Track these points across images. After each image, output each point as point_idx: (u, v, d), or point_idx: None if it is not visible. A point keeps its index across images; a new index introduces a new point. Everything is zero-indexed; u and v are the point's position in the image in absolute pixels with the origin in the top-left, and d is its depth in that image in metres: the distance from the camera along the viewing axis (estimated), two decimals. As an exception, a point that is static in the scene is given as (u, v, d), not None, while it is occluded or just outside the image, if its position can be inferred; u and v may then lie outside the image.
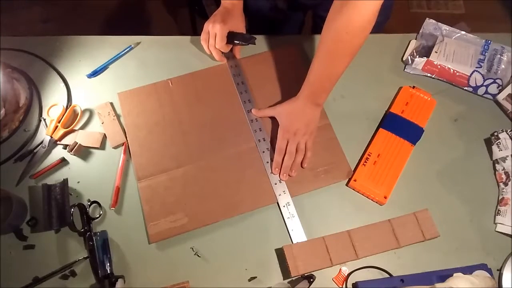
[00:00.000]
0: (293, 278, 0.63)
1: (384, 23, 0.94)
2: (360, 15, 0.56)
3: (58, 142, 0.73)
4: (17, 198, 0.66)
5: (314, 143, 0.72)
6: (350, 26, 0.58)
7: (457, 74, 0.79)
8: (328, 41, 0.62)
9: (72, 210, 0.65)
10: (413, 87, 0.78)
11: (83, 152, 0.72)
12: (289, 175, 0.70)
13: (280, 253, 0.65)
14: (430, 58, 0.79)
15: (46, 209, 0.66)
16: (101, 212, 0.67)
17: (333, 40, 0.61)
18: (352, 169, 0.72)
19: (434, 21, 0.85)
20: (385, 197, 0.69)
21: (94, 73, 0.80)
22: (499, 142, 0.72)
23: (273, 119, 0.75)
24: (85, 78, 0.79)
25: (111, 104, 0.77)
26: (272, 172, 0.70)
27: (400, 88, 0.79)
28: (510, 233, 0.67)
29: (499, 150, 0.72)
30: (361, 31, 0.59)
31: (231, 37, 0.77)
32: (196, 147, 0.72)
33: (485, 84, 0.78)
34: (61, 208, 0.66)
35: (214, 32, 0.75)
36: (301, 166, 0.71)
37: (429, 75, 0.81)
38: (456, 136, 0.76)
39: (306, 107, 0.70)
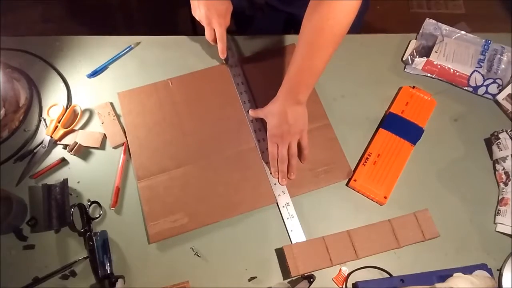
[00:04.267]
0: (293, 278, 0.63)
1: (364, 14, 0.91)
2: (343, 2, 0.56)
3: (58, 142, 0.73)
4: (17, 198, 0.66)
5: (314, 144, 0.72)
6: (332, 13, 0.57)
7: (457, 74, 0.79)
8: (308, 32, 0.60)
9: (72, 210, 0.66)
10: (413, 87, 0.78)
11: (83, 152, 0.72)
12: (288, 178, 0.70)
13: (280, 253, 0.65)
14: (430, 58, 0.79)
15: (46, 209, 0.65)
16: (101, 212, 0.67)
17: (313, 30, 0.59)
18: (352, 169, 0.72)
19: (434, 21, 0.85)
20: (385, 197, 0.69)
21: (94, 73, 0.80)
22: (499, 142, 0.72)
23: None
24: (85, 78, 0.79)
25: (111, 104, 0.77)
26: (271, 173, 0.70)
27: (400, 88, 0.79)
28: (510, 233, 0.67)
29: (499, 150, 0.72)
30: (344, 18, 0.58)
31: None
32: (196, 147, 0.72)
33: (485, 84, 0.78)
34: (61, 208, 0.66)
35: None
36: (301, 162, 0.71)
37: (429, 75, 0.81)
38: (456, 136, 0.76)
39: (286, 106, 0.66)
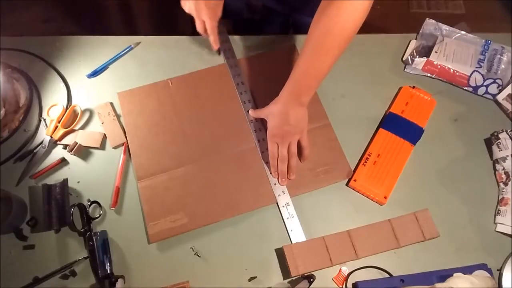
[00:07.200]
0: (293, 278, 0.63)
1: None
2: (352, 7, 0.56)
3: (58, 142, 0.73)
4: (17, 198, 0.66)
5: (314, 144, 0.72)
6: (341, 17, 0.57)
7: (457, 74, 0.79)
8: (316, 35, 0.60)
9: (72, 210, 0.66)
10: (413, 87, 0.78)
11: (83, 152, 0.72)
12: (288, 178, 0.70)
13: (280, 253, 0.65)
14: (430, 58, 0.79)
15: (46, 209, 0.66)
16: (101, 212, 0.67)
17: (321, 33, 0.59)
18: (352, 169, 0.72)
19: (434, 21, 0.85)
20: (385, 197, 0.69)
21: (94, 73, 0.80)
22: (499, 142, 0.72)
23: None
24: (85, 78, 0.79)
25: (111, 104, 0.77)
26: (271, 173, 0.70)
27: (400, 88, 0.79)
28: (510, 233, 0.67)
29: (499, 150, 0.72)
30: (353, 22, 0.58)
31: None
32: (196, 147, 0.72)
33: (485, 84, 0.78)
34: (61, 208, 0.66)
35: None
36: (300, 161, 0.71)
37: (429, 75, 0.81)
38: (456, 136, 0.76)
39: (289, 108, 0.66)
